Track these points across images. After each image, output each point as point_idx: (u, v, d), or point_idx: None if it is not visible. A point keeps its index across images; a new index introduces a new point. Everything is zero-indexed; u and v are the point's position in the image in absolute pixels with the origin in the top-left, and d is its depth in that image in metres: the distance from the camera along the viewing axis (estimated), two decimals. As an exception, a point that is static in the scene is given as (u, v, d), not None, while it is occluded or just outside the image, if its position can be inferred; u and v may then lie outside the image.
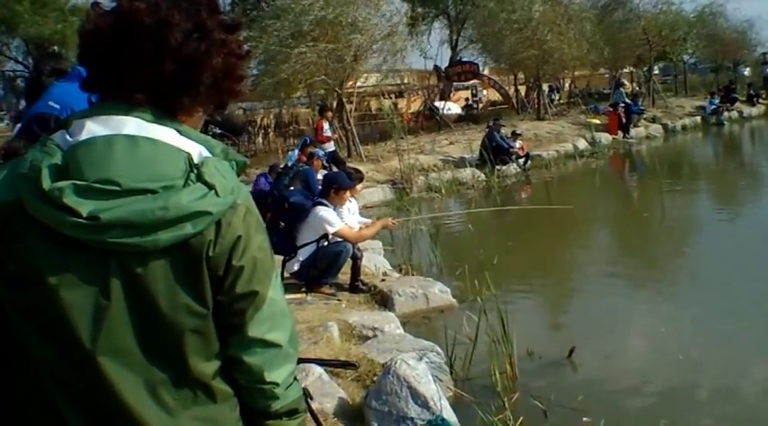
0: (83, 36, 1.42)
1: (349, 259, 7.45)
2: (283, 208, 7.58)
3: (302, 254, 7.35)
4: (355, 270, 7.62)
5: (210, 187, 1.34)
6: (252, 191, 9.11)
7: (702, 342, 6.42)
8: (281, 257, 7.19)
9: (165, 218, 1.29)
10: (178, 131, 1.40)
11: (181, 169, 1.34)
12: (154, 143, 1.35)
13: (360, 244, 8.19)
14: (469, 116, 28.84)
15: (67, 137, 1.35)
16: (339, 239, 7.39)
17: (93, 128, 1.35)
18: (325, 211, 7.34)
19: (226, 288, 1.40)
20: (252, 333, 1.44)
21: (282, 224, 7.45)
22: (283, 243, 7.15)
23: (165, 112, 1.41)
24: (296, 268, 7.37)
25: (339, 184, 7.65)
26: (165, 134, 1.38)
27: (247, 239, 1.41)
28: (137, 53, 1.36)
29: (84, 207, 1.25)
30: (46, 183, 1.27)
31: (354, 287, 7.59)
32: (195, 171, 1.35)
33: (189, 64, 1.38)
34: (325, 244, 7.33)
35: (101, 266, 1.31)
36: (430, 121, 26.04)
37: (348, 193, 7.78)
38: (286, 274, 7.32)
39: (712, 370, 5.90)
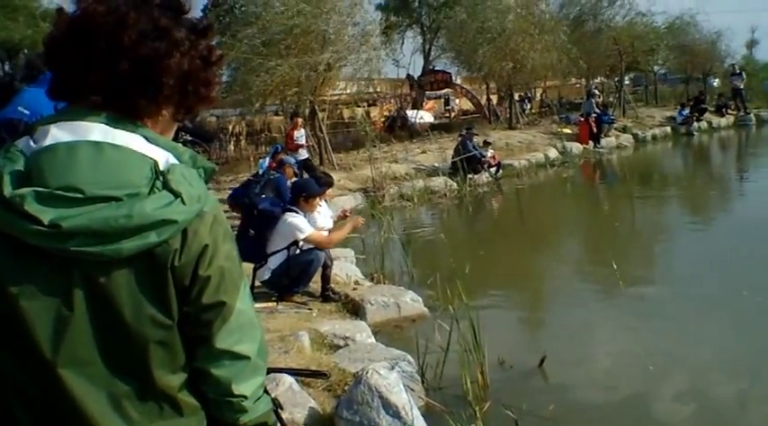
0: (46, 42, 1.41)
1: (319, 267, 7.41)
2: (253, 216, 7.52)
3: (273, 262, 7.30)
4: (325, 278, 7.58)
5: (176, 195, 1.31)
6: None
7: (672, 352, 6.45)
8: (252, 265, 7.15)
9: (128, 227, 1.26)
10: (145, 137, 1.37)
11: (146, 176, 1.32)
12: (119, 149, 1.32)
13: (331, 253, 8.16)
14: (442, 125, 28.90)
15: (31, 143, 1.33)
16: (310, 246, 7.36)
17: (58, 134, 1.33)
18: (294, 218, 7.29)
19: (192, 298, 1.37)
20: (219, 345, 1.42)
21: (252, 231, 7.38)
22: (253, 250, 7.10)
23: (127, 116, 1.38)
24: (267, 276, 7.31)
25: (308, 192, 7.60)
26: (131, 140, 1.35)
27: (214, 248, 1.38)
28: (91, 54, 1.34)
29: (46, 214, 1.23)
30: (7, 190, 1.24)
31: (325, 295, 7.54)
32: (161, 178, 1.32)
33: (146, 65, 1.35)
34: (297, 251, 7.30)
35: (63, 275, 1.28)
36: (402, 130, 26.05)
37: (318, 200, 7.73)
38: (257, 283, 7.27)
39: (681, 379, 5.95)
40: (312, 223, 7.48)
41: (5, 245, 1.25)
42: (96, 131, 1.33)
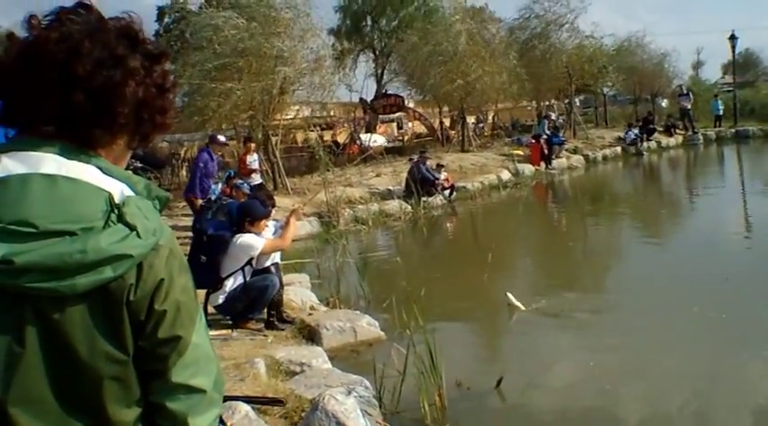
0: None
1: (274, 293, 7.36)
2: (203, 242, 7.42)
3: (227, 286, 7.22)
4: (275, 303, 7.48)
5: (132, 228, 1.29)
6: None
7: (626, 368, 6.54)
8: (204, 290, 7.06)
9: (83, 262, 1.23)
10: (99, 168, 1.35)
11: (101, 209, 1.28)
12: (73, 182, 1.30)
13: (284, 278, 8.12)
14: (395, 148, 29.01)
15: None
16: (265, 266, 7.38)
17: (9, 165, 1.29)
18: (243, 238, 7.21)
19: (147, 333, 1.35)
20: (175, 379, 1.39)
21: (204, 257, 7.28)
22: (206, 276, 6.99)
23: (81, 146, 1.35)
24: (220, 301, 7.23)
25: (252, 216, 7.47)
26: (85, 172, 1.32)
27: (170, 282, 1.36)
28: (43, 84, 1.31)
29: None
30: None
31: (270, 322, 7.44)
32: (116, 211, 1.29)
33: (100, 94, 1.33)
34: (251, 272, 7.24)
35: (14, 311, 1.24)
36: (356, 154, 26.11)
37: (264, 222, 7.64)
38: (210, 309, 7.19)
39: (636, 395, 6.02)
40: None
41: None
42: (49, 163, 1.31)
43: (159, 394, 1.40)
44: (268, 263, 7.51)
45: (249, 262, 7.24)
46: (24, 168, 1.29)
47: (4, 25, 1.41)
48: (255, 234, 7.39)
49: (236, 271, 7.20)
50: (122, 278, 1.29)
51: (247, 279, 7.27)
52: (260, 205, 7.75)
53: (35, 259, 1.21)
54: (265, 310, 7.47)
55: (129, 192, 1.36)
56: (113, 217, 1.29)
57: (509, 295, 7.72)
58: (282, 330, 7.39)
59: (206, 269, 7.02)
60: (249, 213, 7.51)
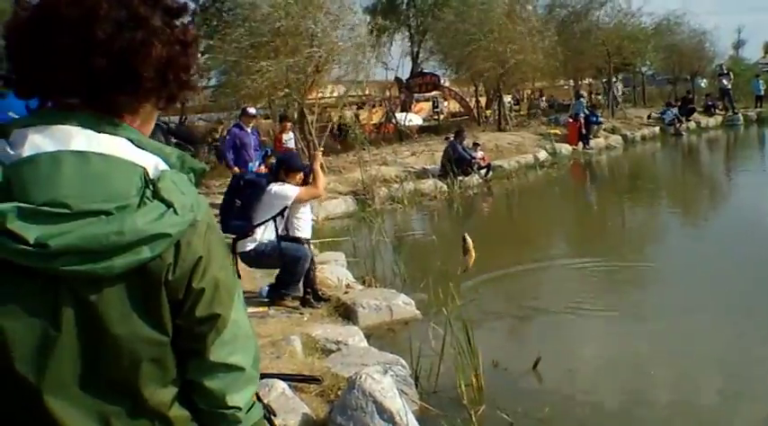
0: (7, 34, 1.31)
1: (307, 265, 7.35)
2: (239, 186, 7.41)
3: (258, 234, 7.20)
4: (307, 282, 7.47)
5: (168, 205, 1.24)
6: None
7: (665, 353, 6.46)
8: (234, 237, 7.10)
9: (120, 243, 1.19)
10: (131, 140, 1.30)
11: (136, 186, 1.23)
12: (106, 158, 1.24)
13: (320, 256, 8.07)
14: (430, 127, 28.90)
15: (8, 149, 1.23)
16: (297, 237, 7.37)
17: (38, 141, 1.23)
18: (278, 186, 7.22)
19: (185, 311, 1.31)
20: (213, 358, 1.35)
21: (239, 202, 7.25)
22: (239, 221, 7.03)
23: (108, 114, 1.30)
24: (249, 247, 7.17)
25: (288, 165, 7.50)
26: (117, 146, 1.27)
27: (208, 259, 1.31)
28: (58, 50, 1.25)
29: (31, 232, 1.15)
30: None
31: (306, 300, 7.44)
32: (151, 187, 1.25)
33: (123, 58, 1.26)
34: (281, 223, 7.23)
35: (50, 294, 1.20)
36: (392, 133, 26.05)
37: (299, 176, 7.60)
38: (241, 265, 7.16)
39: (674, 381, 5.96)
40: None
41: None
42: (79, 138, 1.25)
43: (197, 372, 1.36)
44: (301, 234, 7.48)
45: (282, 213, 7.20)
46: (53, 144, 1.24)
47: None
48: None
49: (267, 220, 7.16)
50: (160, 257, 1.25)
51: (279, 228, 7.22)
52: (298, 158, 7.82)
53: (70, 241, 1.17)
54: (301, 287, 7.46)
55: (163, 166, 1.31)
56: (149, 193, 1.24)
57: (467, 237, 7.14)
58: (318, 308, 7.39)
59: (240, 214, 7.07)
60: (287, 163, 7.59)
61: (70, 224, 1.17)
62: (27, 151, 1.22)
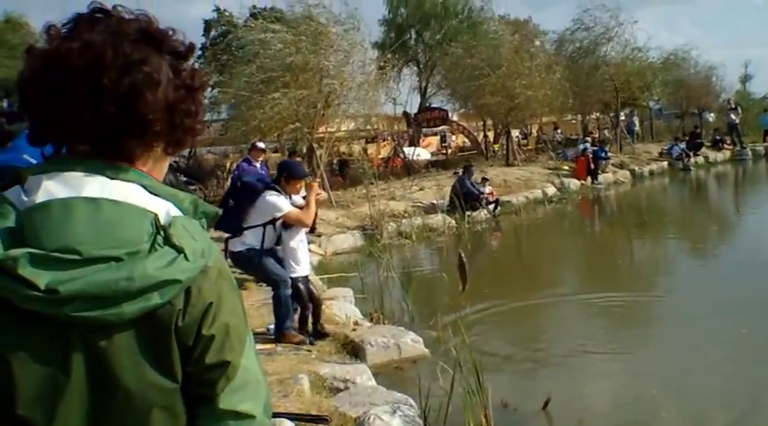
0: (20, 84, 1.32)
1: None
2: (236, 188, 7.42)
3: (247, 238, 7.14)
4: (303, 319, 7.48)
5: (179, 251, 1.24)
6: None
7: (675, 388, 6.45)
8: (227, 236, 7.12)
9: (130, 289, 1.18)
10: (143, 186, 1.30)
11: (147, 232, 1.23)
12: (117, 205, 1.25)
13: (327, 292, 8.01)
14: (439, 162, 28.97)
15: (23, 196, 1.25)
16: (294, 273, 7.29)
17: (51, 187, 1.24)
18: (273, 196, 7.13)
19: (195, 358, 1.29)
20: (223, 405, 1.33)
21: (232, 202, 7.26)
22: (230, 221, 6.98)
23: (120, 162, 1.31)
24: (239, 248, 7.13)
25: (290, 172, 7.42)
26: (129, 192, 1.28)
27: (219, 305, 1.30)
28: (69, 98, 1.26)
29: (42, 278, 1.15)
30: None
31: (313, 333, 7.47)
32: (162, 233, 1.25)
33: (129, 102, 1.27)
34: (271, 236, 7.17)
35: (60, 340, 1.20)
36: (400, 167, 26.12)
37: (299, 185, 7.52)
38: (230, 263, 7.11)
39: (686, 415, 5.89)
40: (292, 204, 7.32)
41: None
42: (92, 185, 1.26)
43: (207, 419, 1.34)
44: (296, 273, 7.36)
45: (272, 223, 7.15)
46: (66, 191, 1.25)
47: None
48: (288, 195, 7.30)
49: (257, 226, 7.12)
50: (170, 303, 1.24)
51: (267, 238, 7.15)
52: (301, 166, 7.78)
53: (80, 287, 1.17)
54: (308, 321, 7.46)
55: (175, 212, 1.31)
56: (159, 239, 1.24)
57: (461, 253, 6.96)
58: (313, 344, 7.32)
59: (231, 214, 6.99)
60: (288, 169, 7.51)
61: (81, 270, 1.17)
62: (40, 197, 1.23)
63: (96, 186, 1.26)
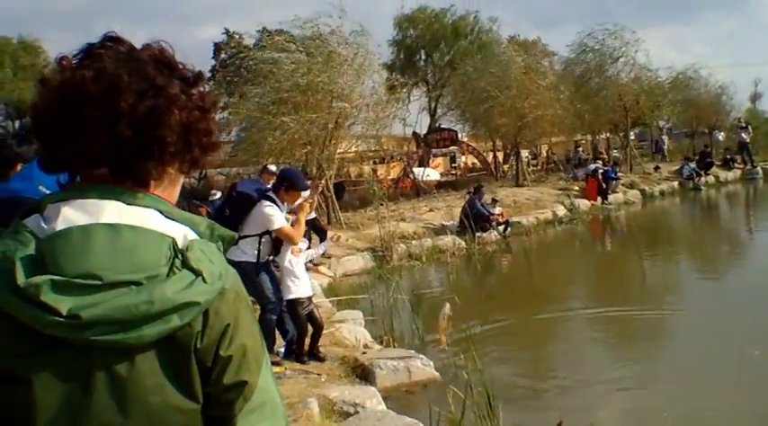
0: (32, 115, 1.36)
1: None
2: (231, 197, 7.35)
3: (243, 245, 7.00)
4: (313, 338, 7.41)
5: (197, 274, 1.26)
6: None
7: (688, 408, 6.43)
8: None
9: (150, 312, 1.21)
10: (160, 212, 1.33)
11: (165, 256, 1.26)
12: (135, 230, 1.28)
13: (337, 315, 7.95)
14: (448, 182, 28.98)
15: (42, 224, 1.28)
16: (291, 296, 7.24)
17: (70, 215, 1.28)
18: (269, 207, 7.03)
19: (213, 379, 1.31)
20: (241, 425, 1.35)
21: (228, 212, 7.19)
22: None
23: (136, 186, 1.34)
24: (237, 257, 6.81)
25: (291, 183, 7.30)
26: (146, 217, 1.31)
27: (236, 326, 1.33)
28: (86, 123, 1.28)
29: (64, 304, 1.18)
30: (20, 278, 1.19)
31: (312, 354, 7.41)
32: (180, 256, 1.27)
33: (146, 125, 1.30)
34: (266, 246, 7.10)
35: (82, 364, 1.22)
36: (410, 188, 26.14)
37: (299, 195, 7.42)
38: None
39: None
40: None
41: (20, 334, 1.20)
42: (110, 211, 1.29)
43: None
44: (294, 294, 7.29)
45: (266, 234, 7.06)
46: (85, 218, 1.28)
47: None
48: (287, 203, 7.24)
49: (251, 236, 7.04)
50: (189, 325, 1.26)
51: (264, 249, 7.09)
52: (303, 178, 7.68)
53: (102, 312, 1.19)
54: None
55: (192, 235, 1.34)
56: (177, 263, 1.27)
57: (447, 308, 7.15)
58: (305, 363, 7.28)
59: (226, 222, 6.54)
60: (290, 180, 7.40)
61: (102, 295, 1.20)
62: (60, 225, 1.26)
63: (114, 212, 1.29)
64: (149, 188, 1.36)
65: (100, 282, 1.21)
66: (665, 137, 36.74)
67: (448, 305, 6.70)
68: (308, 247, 8.29)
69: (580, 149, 35.45)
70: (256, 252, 7.06)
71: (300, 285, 7.37)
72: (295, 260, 7.40)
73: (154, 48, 1.38)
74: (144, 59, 1.34)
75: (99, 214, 1.28)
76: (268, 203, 7.09)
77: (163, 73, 1.34)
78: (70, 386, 1.22)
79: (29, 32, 32.71)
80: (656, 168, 31.23)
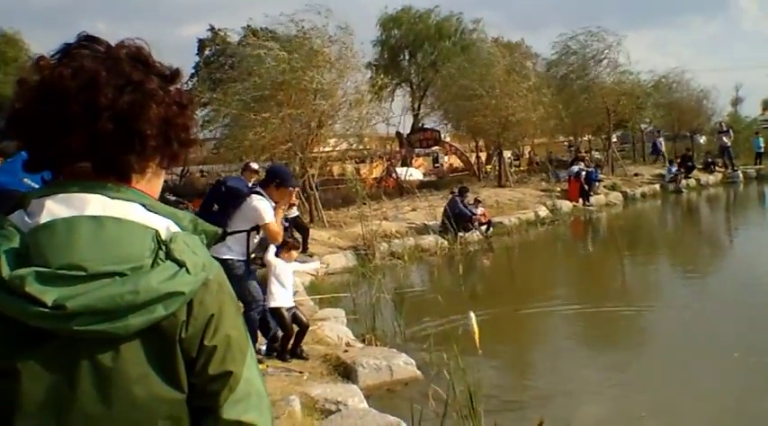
0: (10, 117, 1.36)
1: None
2: (220, 192, 7.23)
3: (229, 243, 6.84)
4: (285, 337, 7.40)
5: (181, 265, 1.28)
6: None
7: (665, 416, 6.40)
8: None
9: (135, 302, 1.22)
10: (144, 205, 1.35)
11: (149, 248, 1.28)
12: (119, 222, 1.29)
13: (319, 313, 7.92)
14: (431, 182, 28.99)
15: (26, 218, 1.29)
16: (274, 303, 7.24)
17: (54, 208, 1.29)
18: (259, 201, 6.96)
19: (198, 369, 1.33)
20: (227, 416, 1.37)
21: (217, 206, 7.08)
22: (214, 225, 6.79)
23: (119, 181, 1.35)
24: (224, 254, 6.67)
25: (282, 179, 7.22)
26: (130, 210, 1.32)
27: (220, 317, 1.35)
28: (67, 119, 1.30)
29: (49, 295, 1.19)
30: (5, 271, 1.20)
31: (294, 352, 7.41)
32: (164, 248, 1.29)
33: (127, 119, 1.32)
34: (254, 242, 7.04)
35: (67, 355, 1.23)
36: (393, 187, 26.13)
37: (290, 192, 7.37)
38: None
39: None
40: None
41: (6, 326, 1.21)
42: (94, 204, 1.31)
43: None
44: (276, 304, 7.31)
45: (256, 229, 7.00)
46: (69, 211, 1.29)
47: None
48: (275, 200, 7.14)
49: (240, 232, 6.93)
50: (174, 315, 1.28)
51: (252, 246, 7.03)
52: (293, 177, 7.58)
53: (87, 302, 1.20)
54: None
55: (175, 228, 1.36)
56: (161, 254, 1.29)
57: (471, 315, 7.17)
58: (286, 361, 7.30)
59: (215, 218, 6.68)
60: (281, 176, 7.33)
61: (86, 285, 1.21)
62: (44, 218, 1.28)
63: (98, 205, 1.31)
64: (132, 182, 1.38)
65: (84, 273, 1.21)
66: (661, 139, 36.76)
67: (471, 313, 6.63)
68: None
69: (573, 149, 35.38)
70: (245, 248, 7.00)
71: (284, 294, 7.40)
72: (282, 267, 7.39)
73: (130, 45, 1.40)
74: (120, 57, 1.36)
75: (83, 207, 1.30)
76: (259, 197, 7.02)
77: (139, 69, 1.36)
78: (56, 376, 1.23)
79: (9, 26, 32.38)
80: (636, 174, 31.30)
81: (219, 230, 1.55)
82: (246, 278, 7.03)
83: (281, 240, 7.37)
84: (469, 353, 6.86)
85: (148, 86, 1.35)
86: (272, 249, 7.41)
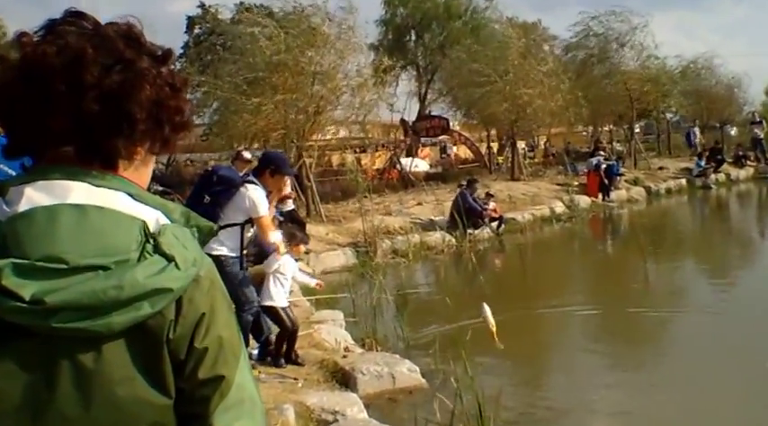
0: None
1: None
2: (211, 182, 7.13)
3: (224, 236, 6.77)
4: (278, 340, 7.42)
5: (169, 259, 1.27)
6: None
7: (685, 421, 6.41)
8: None
9: (119, 298, 1.21)
10: (131, 195, 1.34)
11: (135, 240, 1.27)
12: (104, 212, 1.28)
13: (316, 315, 7.92)
14: (438, 174, 28.96)
15: (4, 206, 1.28)
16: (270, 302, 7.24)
17: (34, 196, 1.28)
18: (254, 190, 6.92)
19: (188, 373, 1.32)
20: (217, 423, 1.36)
21: (208, 198, 6.98)
22: (206, 218, 6.77)
23: (105, 163, 1.34)
24: (215, 251, 6.62)
25: (278, 166, 7.24)
26: (116, 200, 1.31)
27: (211, 316, 1.34)
28: (50, 99, 1.29)
29: (27, 289, 1.17)
30: None
31: (287, 358, 7.41)
32: (152, 241, 1.28)
33: (115, 100, 1.31)
34: (248, 236, 7.06)
35: (43, 354, 1.22)
36: (396, 179, 26.11)
37: (285, 181, 7.37)
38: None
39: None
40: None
41: None
42: (77, 191, 1.29)
43: None
44: (277, 304, 7.32)
45: (251, 222, 6.99)
46: (50, 199, 1.28)
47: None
48: (271, 189, 7.17)
49: (233, 225, 6.90)
50: (161, 314, 1.27)
51: (246, 240, 7.04)
52: (289, 163, 7.50)
53: (67, 297, 1.19)
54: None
55: (164, 220, 1.35)
56: (149, 247, 1.27)
57: (485, 307, 7.09)
58: (280, 366, 7.32)
59: (207, 210, 6.64)
60: (276, 162, 7.33)
61: (67, 279, 1.20)
62: (23, 206, 1.27)
63: (82, 193, 1.30)
64: (118, 170, 1.37)
65: (65, 266, 1.20)
66: (696, 130, 36.58)
67: (485, 305, 6.60)
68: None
69: (593, 139, 35.21)
70: (238, 243, 6.98)
71: (282, 294, 7.40)
72: (287, 263, 7.40)
73: (120, 23, 1.39)
74: (110, 35, 1.35)
75: (65, 195, 1.29)
76: (254, 186, 6.99)
77: (131, 47, 1.35)
78: (33, 377, 1.22)
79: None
80: (660, 168, 31.23)
81: (215, 226, 1.53)
82: (240, 276, 7.03)
83: (272, 238, 7.32)
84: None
85: (140, 65, 1.35)
86: (278, 235, 7.35)
